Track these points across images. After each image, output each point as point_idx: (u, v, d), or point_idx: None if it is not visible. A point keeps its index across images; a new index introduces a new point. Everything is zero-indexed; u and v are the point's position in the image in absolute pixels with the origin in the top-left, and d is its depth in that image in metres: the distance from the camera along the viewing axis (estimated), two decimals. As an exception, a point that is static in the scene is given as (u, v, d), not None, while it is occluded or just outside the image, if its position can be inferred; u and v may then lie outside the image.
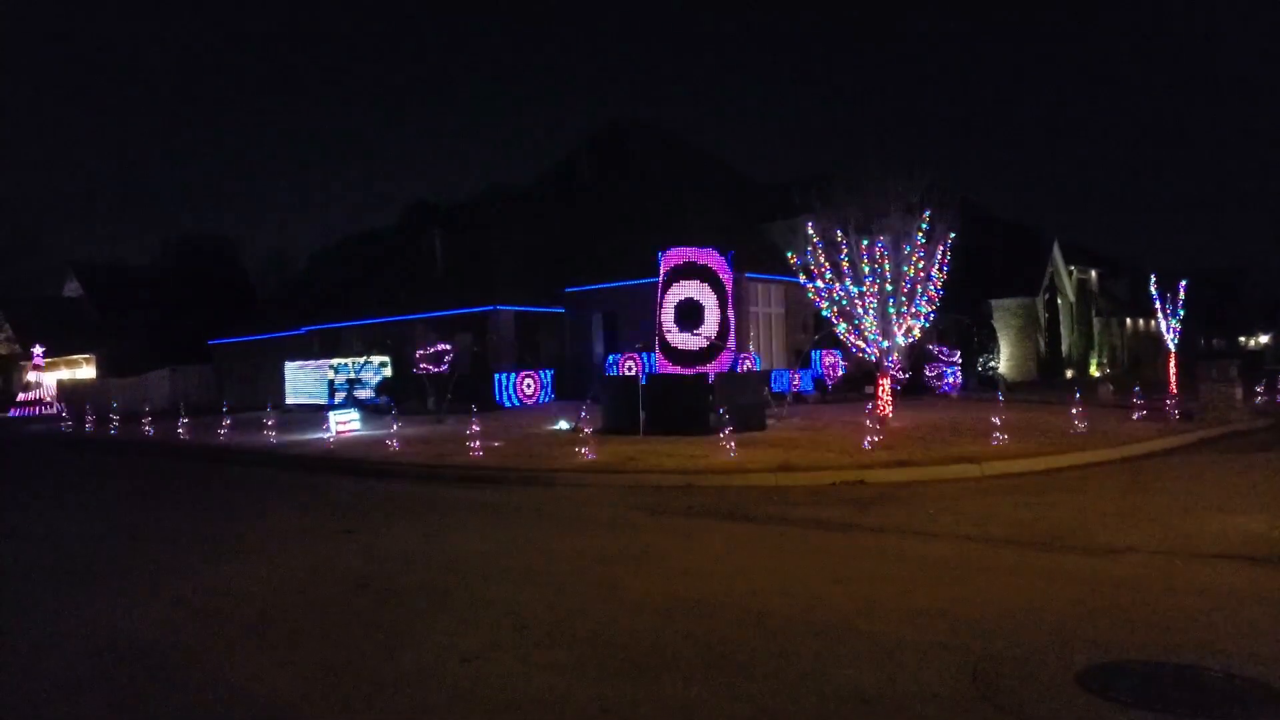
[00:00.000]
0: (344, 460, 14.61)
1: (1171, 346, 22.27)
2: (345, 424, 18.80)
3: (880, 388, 17.10)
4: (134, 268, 52.58)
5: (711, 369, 16.18)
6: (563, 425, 17.51)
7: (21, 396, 40.69)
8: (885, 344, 16.80)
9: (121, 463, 17.76)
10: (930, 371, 26.06)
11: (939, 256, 16.79)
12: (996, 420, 13.01)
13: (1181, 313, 22.13)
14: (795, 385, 25.50)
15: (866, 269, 16.48)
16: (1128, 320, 47.63)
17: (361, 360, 29.11)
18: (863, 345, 16.95)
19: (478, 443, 13.88)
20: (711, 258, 16.75)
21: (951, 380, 26.17)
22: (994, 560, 6.64)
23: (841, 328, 17.15)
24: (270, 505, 11.14)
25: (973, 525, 7.93)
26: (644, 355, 20.78)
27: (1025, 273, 38.05)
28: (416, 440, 16.46)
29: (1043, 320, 38.06)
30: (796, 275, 17.81)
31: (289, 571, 7.00)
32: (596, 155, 35.56)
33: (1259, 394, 19.47)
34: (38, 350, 41.13)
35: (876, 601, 5.59)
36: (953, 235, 17.21)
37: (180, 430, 20.42)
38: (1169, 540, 7.04)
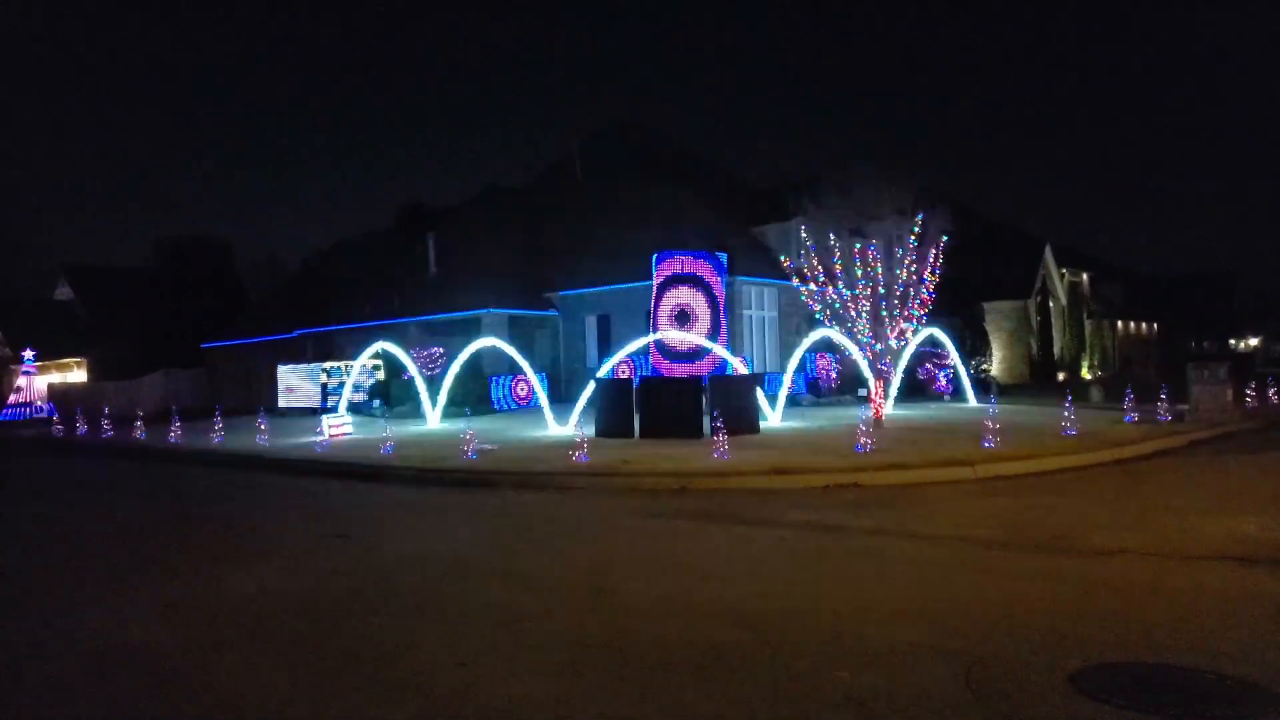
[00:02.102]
0: (337, 464, 14.56)
1: (1162, 349, 22.35)
2: (338, 427, 18.75)
3: (873, 390, 17.15)
4: (126, 270, 52.29)
5: (705, 372, 16.19)
6: (557, 428, 17.50)
7: (12, 400, 40.47)
8: (878, 347, 16.85)
9: (113, 467, 17.67)
10: (923, 374, 26.11)
11: (931, 259, 16.86)
12: (989, 423, 13.05)
13: (1172, 315, 22.21)
14: (788, 388, 25.51)
15: (859, 272, 16.54)
16: (1119, 322, 47.84)
17: (355, 363, 29.01)
18: (855, 348, 17.00)
19: (471, 446, 13.86)
20: (704, 261, 16.79)
21: (944, 383, 26.21)
22: (987, 563, 6.67)
23: (835, 330, 17.20)
24: (263, 510, 11.11)
25: (966, 528, 7.96)
26: (638, 358, 20.79)
27: (1017, 275, 38.18)
28: (409, 444, 16.42)
29: (1035, 323, 38.19)
30: (789, 278, 17.87)
31: (283, 576, 6.98)
32: (590, 158, 35.59)
33: (1249, 396, 19.55)
34: (28, 353, 40.92)
35: (871, 604, 5.61)
36: (945, 238, 17.28)
37: (172, 434, 20.34)
38: (1161, 542, 7.08)
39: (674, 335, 16.37)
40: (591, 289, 28.11)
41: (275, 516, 10.43)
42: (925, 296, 16.88)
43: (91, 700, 4.49)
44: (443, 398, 21.78)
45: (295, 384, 31.78)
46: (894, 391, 20.37)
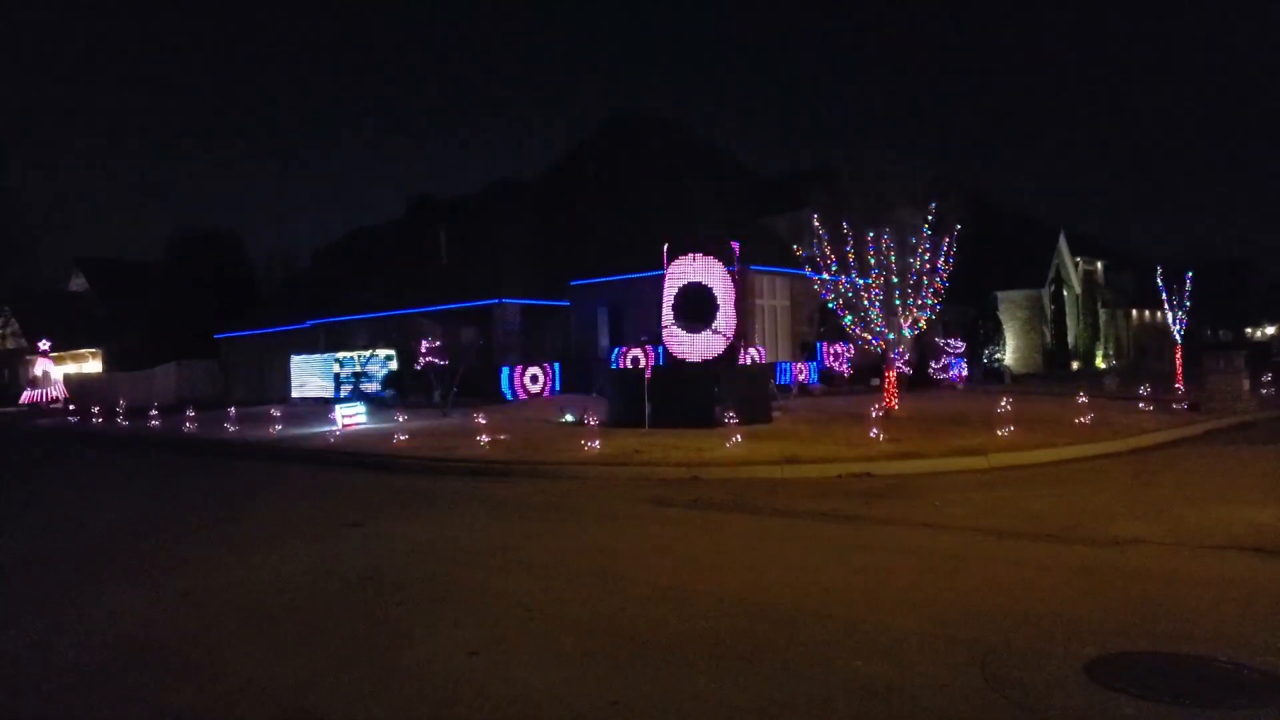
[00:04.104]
0: (350, 454, 14.63)
1: (1178, 338, 22.19)
2: (351, 417, 18.83)
3: (886, 380, 17.08)
4: (139, 262, 52.59)
5: (716, 361, 16.16)
6: (568, 418, 17.53)
7: (28, 390, 40.86)
8: (891, 336, 16.77)
9: (128, 456, 17.81)
10: (936, 363, 26.02)
11: (944, 248, 16.75)
12: (1002, 412, 12.98)
13: (1188, 304, 22.02)
14: (800, 377, 25.47)
15: (872, 261, 16.45)
16: (1134, 312, 47.48)
17: (367, 354, 29.14)
18: (868, 337, 16.93)
19: (483, 436, 13.89)
20: (716, 250, 16.72)
21: (957, 372, 26.13)
22: (1001, 552, 6.63)
23: (847, 320, 17.14)
24: (276, 499, 11.17)
25: (980, 517, 7.92)
26: (649, 348, 20.77)
27: (1031, 264, 37.93)
28: (422, 433, 16.48)
29: (1048, 312, 37.96)
30: (802, 267, 17.80)
31: (296, 564, 7.02)
32: (601, 148, 35.50)
33: (1265, 385, 19.40)
34: (44, 345, 41.24)
35: (884, 593, 5.59)
36: (958, 227, 17.16)
37: (187, 424, 20.47)
38: (1176, 531, 7.03)
39: (685, 324, 16.34)
40: (602, 279, 28.08)
41: (288, 505, 10.48)
42: (939, 285, 16.77)
43: (110, 688, 4.52)
44: (454, 387, 21.83)
45: (308, 374, 31.94)
46: (906, 381, 20.30)
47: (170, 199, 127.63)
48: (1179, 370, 20.91)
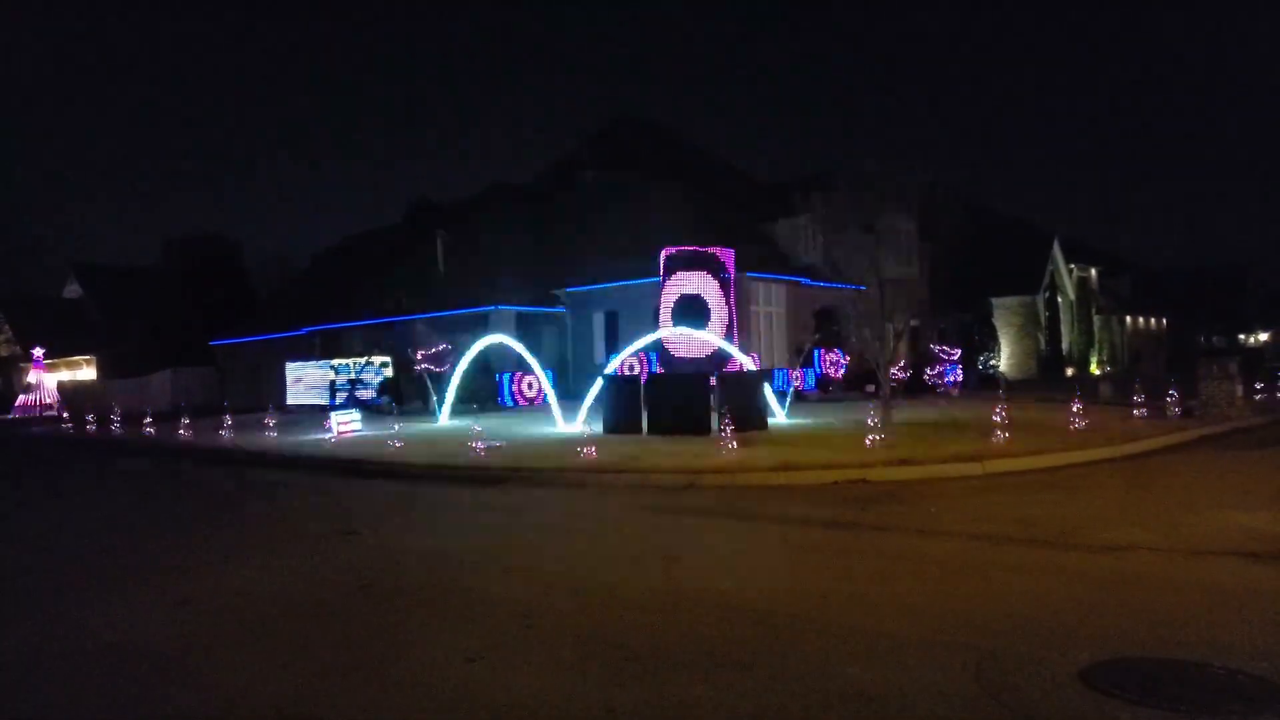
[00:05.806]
0: (345, 461, 14.61)
1: (1172, 344, 22.25)
2: (346, 424, 18.80)
3: (882, 386, 17.11)
4: (135, 269, 52.52)
5: (713, 368, 16.18)
6: (565, 425, 17.52)
7: (22, 398, 40.70)
8: (887, 343, 16.81)
9: (124, 464, 17.77)
10: (931, 370, 26.06)
11: (939, 254, 16.81)
12: (998, 418, 13.00)
13: (1182, 310, 22.09)
14: (797, 384, 25.50)
15: (868, 267, 16.51)
16: (1128, 318, 47.63)
17: (363, 360, 29.11)
18: (864, 344, 16.97)
19: (479, 443, 13.88)
20: (712, 257, 16.77)
21: (952, 379, 26.18)
22: (997, 558, 6.65)
23: (843, 326, 17.18)
24: (272, 506, 11.16)
25: (975, 523, 7.94)
26: (646, 355, 20.80)
27: (1026, 270, 38.05)
28: (418, 440, 16.46)
29: (1043, 318, 38.06)
30: (798, 274, 17.84)
31: (292, 573, 7.01)
32: (598, 154, 35.58)
33: (1259, 391, 19.47)
34: (38, 351, 41.10)
35: (880, 600, 5.61)
36: (953, 233, 17.24)
37: (182, 431, 20.43)
38: (1171, 537, 7.05)
39: (682, 331, 16.37)
40: (599, 285, 28.10)
41: (284, 513, 10.47)
42: (932, 292, 16.82)
43: (103, 695, 4.51)
44: (451, 394, 21.82)
45: (304, 381, 31.91)
46: (902, 387, 20.32)
47: (167, 204, 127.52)
48: (1173, 376, 20.95)
